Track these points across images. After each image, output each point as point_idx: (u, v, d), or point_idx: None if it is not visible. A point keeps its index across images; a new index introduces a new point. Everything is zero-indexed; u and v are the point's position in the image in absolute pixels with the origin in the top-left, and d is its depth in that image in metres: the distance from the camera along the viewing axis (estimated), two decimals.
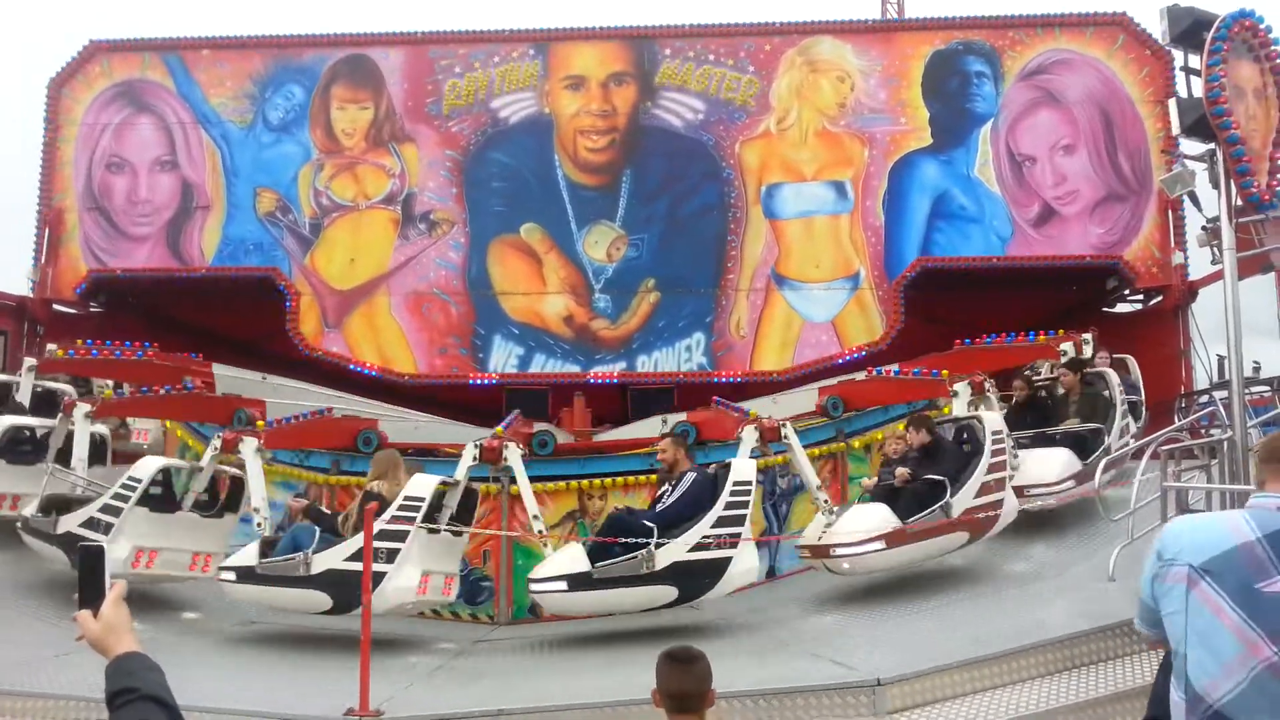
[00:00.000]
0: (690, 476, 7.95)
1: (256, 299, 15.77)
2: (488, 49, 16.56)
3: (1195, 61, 8.05)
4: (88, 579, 2.12)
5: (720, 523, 7.66)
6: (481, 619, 9.73)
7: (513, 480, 8.83)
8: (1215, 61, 7.85)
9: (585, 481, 10.23)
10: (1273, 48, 8.34)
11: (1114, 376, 10.50)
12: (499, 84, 16.42)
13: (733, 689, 5.67)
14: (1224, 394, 10.17)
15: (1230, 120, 7.84)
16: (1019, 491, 8.74)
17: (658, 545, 7.50)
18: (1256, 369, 13.37)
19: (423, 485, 7.88)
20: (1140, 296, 16.40)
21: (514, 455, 8.48)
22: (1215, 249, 8.22)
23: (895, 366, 11.60)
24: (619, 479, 10.25)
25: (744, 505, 7.79)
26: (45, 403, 10.95)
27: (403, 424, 12.10)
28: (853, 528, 8.14)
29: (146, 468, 8.64)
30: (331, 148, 16.37)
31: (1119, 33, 16.01)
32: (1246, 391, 8.52)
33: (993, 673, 6.05)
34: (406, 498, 7.74)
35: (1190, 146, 8.37)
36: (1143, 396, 11.74)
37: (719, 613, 8.49)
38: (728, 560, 7.69)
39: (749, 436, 8.50)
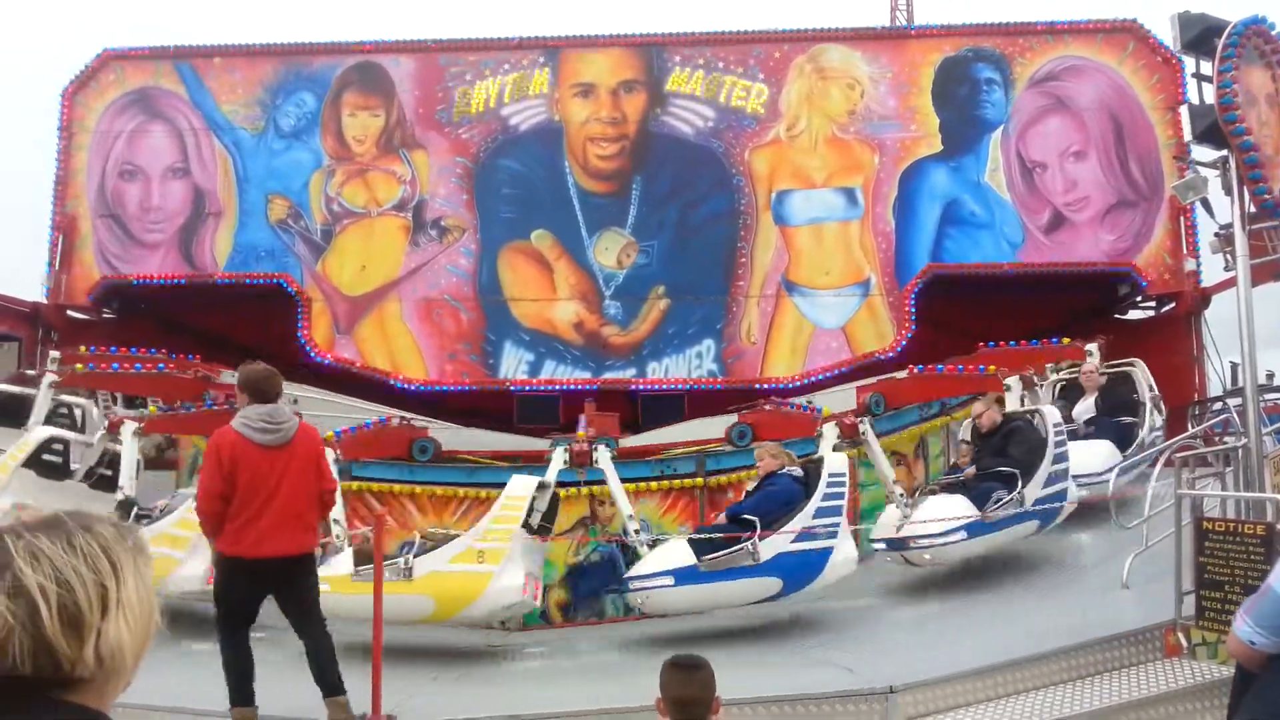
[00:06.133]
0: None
1: (268, 305, 15.83)
2: (498, 56, 16.61)
3: (1207, 68, 8.01)
4: None
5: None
6: (493, 624, 9.72)
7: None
8: (1227, 68, 7.81)
9: (596, 488, 10.22)
10: None
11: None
12: (509, 91, 16.46)
13: (741, 696, 5.66)
14: (1238, 401, 10.13)
15: (1243, 126, 7.80)
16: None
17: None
18: (1270, 376, 13.31)
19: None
20: (1152, 303, 16.34)
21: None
22: (1228, 255, 8.18)
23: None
24: (629, 485, 10.23)
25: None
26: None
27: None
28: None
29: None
30: (343, 154, 16.43)
31: (1129, 39, 15.98)
32: (1261, 399, 8.47)
33: (1006, 680, 6.03)
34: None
35: (1202, 153, 8.33)
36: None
37: (727, 619, 8.48)
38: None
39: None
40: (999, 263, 15.49)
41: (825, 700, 5.80)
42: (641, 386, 15.48)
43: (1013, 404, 9.67)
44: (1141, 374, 11.59)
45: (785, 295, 15.69)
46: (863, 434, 8.80)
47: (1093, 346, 11.48)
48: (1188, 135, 8.29)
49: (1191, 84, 8.41)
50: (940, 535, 8.26)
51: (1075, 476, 9.25)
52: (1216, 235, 8.43)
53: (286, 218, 16.27)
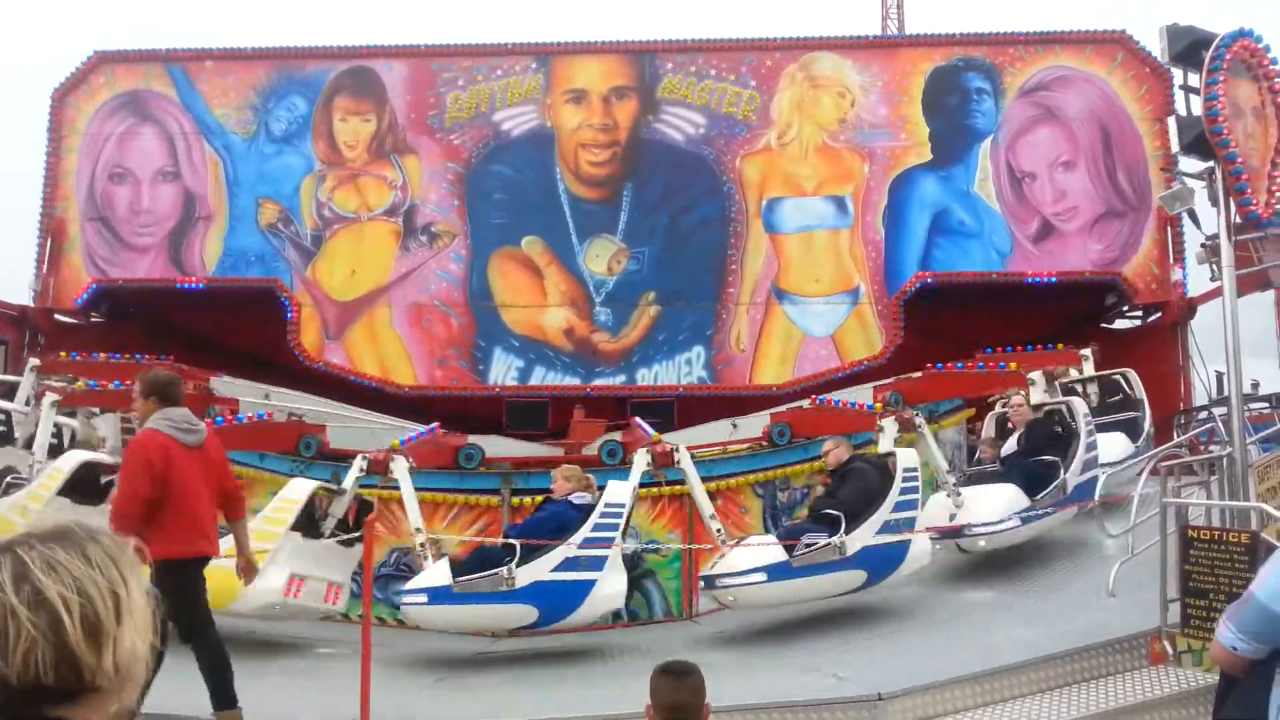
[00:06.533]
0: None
1: (258, 310, 15.79)
2: (490, 62, 16.64)
3: (1194, 80, 8.08)
4: None
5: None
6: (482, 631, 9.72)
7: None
8: (1214, 80, 7.89)
9: None
10: (1271, 67, 8.39)
11: (903, 459, 8.45)
12: (501, 97, 16.48)
13: (730, 703, 5.67)
14: (1223, 410, 10.19)
15: (1229, 139, 7.87)
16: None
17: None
18: (1255, 386, 13.41)
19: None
20: (1139, 313, 16.44)
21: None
22: (1214, 266, 8.25)
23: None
24: None
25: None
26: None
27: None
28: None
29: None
30: (334, 159, 16.42)
31: (1118, 50, 16.10)
32: (1245, 408, 8.54)
33: (995, 688, 6.06)
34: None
35: (1189, 164, 8.40)
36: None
37: (716, 627, 8.49)
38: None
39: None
40: (987, 271, 15.57)
41: (814, 707, 5.82)
42: (626, 393, 15.48)
43: (885, 445, 8.92)
44: (1134, 383, 11.57)
45: (775, 303, 15.74)
46: (678, 463, 8.43)
47: (1036, 375, 10.52)
48: (1175, 146, 8.37)
49: (1179, 95, 8.47)
50: (738, 575, 7.90)
51: (970, 525, 8.70)
52: (1203, 246, 8.50)
53: (277, 222, 16.25)
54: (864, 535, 7.95)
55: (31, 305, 16.11)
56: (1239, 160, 7.92)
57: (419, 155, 16.35)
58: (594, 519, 7.66)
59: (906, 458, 8.43)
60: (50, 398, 9.92)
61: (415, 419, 13.61)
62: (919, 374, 11.54)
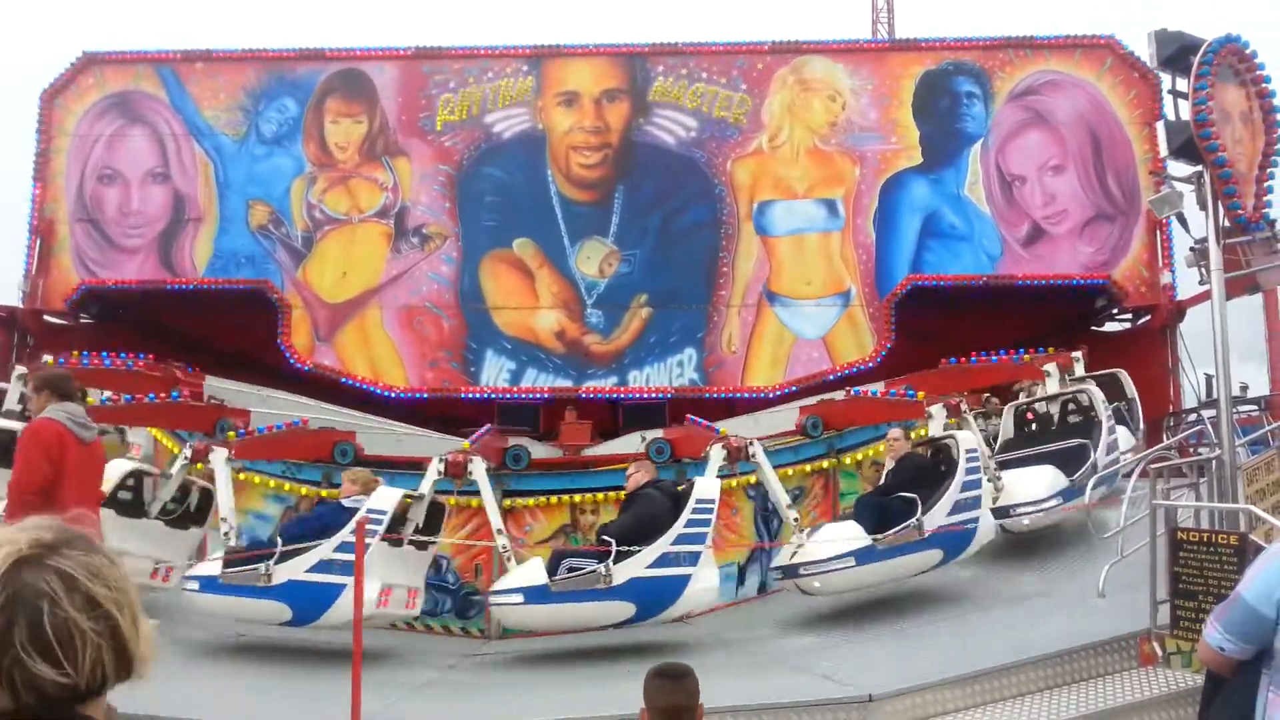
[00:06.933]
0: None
1: (248, 312, 15.75)
2: (481, 64, 16.64)
3: (1183, 85, 8.12)
4: None
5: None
6: (472, 633, 9.71)
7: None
8: (1202, 85, 7.93)
9: (577, 496, 10.24)
10: (1258, 72, 8.44)
11: (699, 490, 8.05)
12: (493, 99, 16.48)
13: (721, 704, 5.67)
14: (1212, 413, 10.22)
15: (1217, 143, 7.91)
16: None
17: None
18: (1244, 389, 13.49)
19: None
20: (1129, 316, 16.51)
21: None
22: (1203, 269, 8.28)
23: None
24: (610, 494, 10.24)
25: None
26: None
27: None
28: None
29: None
30: (325, 161, 16.40)
31: (1107, 55, 16.20)
32: (1234, 410, 8.58)
33: (985, 689, 6.08)
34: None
35: (1178, 168, 8.44)
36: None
37: (708, 629, 8.50)
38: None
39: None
40: (978, 274, 15.63)
41: (805, 708, 5.83)
42: (617, 395, 15.48)
43: (709, 472, 8.58)
44: (1125, 385, 11.52)
45: (766, 305, 15.77)
46: (470, 474, 8.44)
47: (935, 409, 9.56)
48: (1164, 150, 8.41)
49: (1168, 100, 8.51)
50: (501, 595, 7.96)
51: (803, 565, 8.15)
52: (1192, 249, 8.53)
53: (267, 224, 16.21)
54: (634, 565, 7.64)
55: (20, 306, 16.04)
56: (1227, 164, 7.97)
57: (410, 157, 16.34)
58: (350, 525, 7.55)
59: (703, 488, 8.09)
60: (19, 371, 9.99)
61: (405, 422, 13.61)
62: (840, 395, 11.30)
